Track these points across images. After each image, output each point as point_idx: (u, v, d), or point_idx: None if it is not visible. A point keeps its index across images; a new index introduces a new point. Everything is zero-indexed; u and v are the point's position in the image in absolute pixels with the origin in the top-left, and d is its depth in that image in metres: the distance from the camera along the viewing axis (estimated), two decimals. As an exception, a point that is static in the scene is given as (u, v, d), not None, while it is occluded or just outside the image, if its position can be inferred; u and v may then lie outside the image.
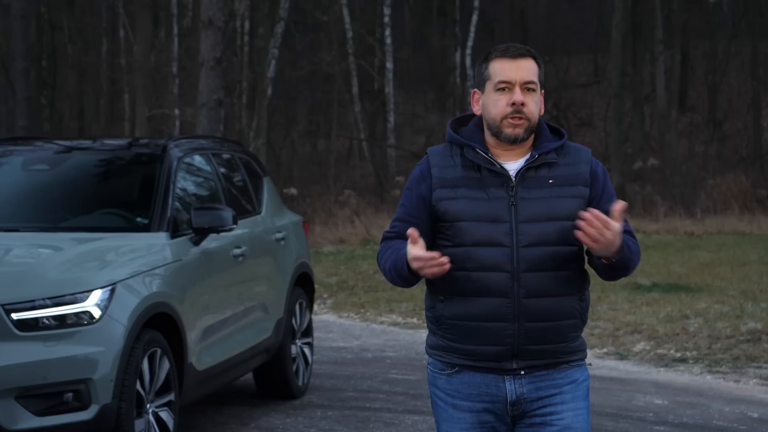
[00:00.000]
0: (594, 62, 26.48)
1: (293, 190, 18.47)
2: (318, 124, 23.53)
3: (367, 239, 14.59)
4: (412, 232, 2.62)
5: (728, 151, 22.13)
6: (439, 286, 2.73)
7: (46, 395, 4.16)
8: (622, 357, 7.44)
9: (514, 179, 2.69)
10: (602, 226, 2.57)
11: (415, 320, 8.97)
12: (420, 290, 10.02)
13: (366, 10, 23.81)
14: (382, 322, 8.99)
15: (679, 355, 7.39)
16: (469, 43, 22.37)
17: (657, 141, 21.93)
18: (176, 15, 22.00)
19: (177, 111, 20.06)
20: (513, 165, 2.71)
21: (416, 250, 2.61)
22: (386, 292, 10.24)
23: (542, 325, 2.69)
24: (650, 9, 21.77)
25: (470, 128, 2.77)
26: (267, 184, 6.37)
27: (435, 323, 2.77)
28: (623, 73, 20.62)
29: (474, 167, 2.71)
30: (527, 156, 2.72)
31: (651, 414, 5.77)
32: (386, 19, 22.16)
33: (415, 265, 2.62)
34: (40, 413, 4.14)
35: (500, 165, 2.70)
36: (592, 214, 2.58)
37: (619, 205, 2.61)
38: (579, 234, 2.59)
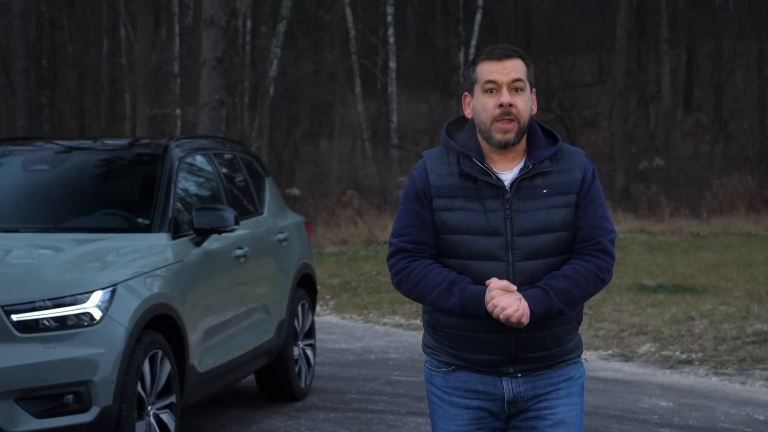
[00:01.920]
0: (599, 61, 26.42)
1: (295, 191, 18.43)
2: (320, 124, 23.49)
3: (369, 240, 14.55)
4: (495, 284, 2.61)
5: (734, 151, 22.06)
6: None
7: (46, 397, 4.13)
8: (626, 358, 7.39)
9: (509, 190, 2.67)
10: (511, 303, 2.59)
11: (418, 322, 8.92)
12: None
13: (369, 8, 23.77)
14: (385, 324, 8.95)
15: (684, 356, 7.34)
16: (473, 42, 22.31)
17: (662, 141, 21.87)
18: (177, 14, 21.98)
19: (178, 111, 20.03)
20: (508, 175, 2.69)
21: (508, 300, 2.58)
22: (389, 293, 10.20)
23: (539, 334, 2.69)
24: (656, 8, 21.72)
25: (465, 133, 2.75)
26: (269, 185, 6.33)
27: (431, 327, 2.77)
28: (628, 73, 20.58)
29: (470, 177, 2.69)
30: (521, 165, 2.70)
31: (656, 416, 5.73)
32: (389, 18, 22.11)
33: (502, 313, 2.58)
34: (40, 415, 4.12)
35: (496, 176, 2.68)
36: (493, 305, 2.60)
37: (491, 283, 2.62)
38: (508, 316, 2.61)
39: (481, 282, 2.64)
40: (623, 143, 19.91)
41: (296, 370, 6.05)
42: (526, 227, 2.65)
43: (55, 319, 4.18)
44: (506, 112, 2.65)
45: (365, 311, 9.48)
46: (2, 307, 4.14)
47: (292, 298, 6.05)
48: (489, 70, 2.67)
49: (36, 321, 4.16)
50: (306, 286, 6.33)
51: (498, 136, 2.66)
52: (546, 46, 22.58)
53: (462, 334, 2.69)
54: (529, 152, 2.70)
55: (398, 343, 8.09)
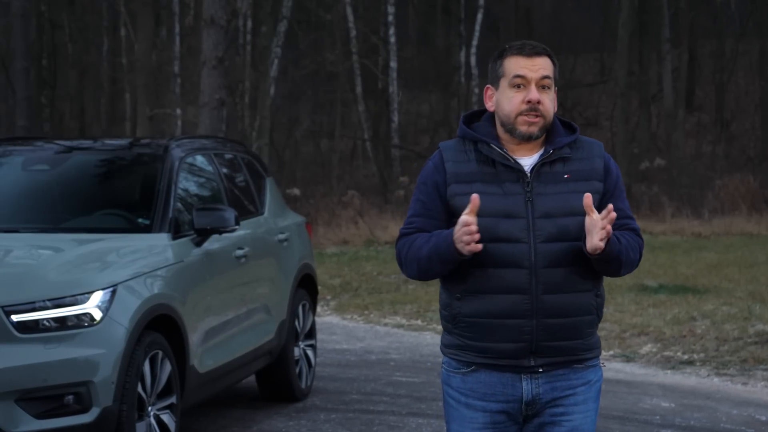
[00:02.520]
0: (600, 61, 26.39)
1: (296, 191, 18.40)
2: (321, 124, 23.47)
3: (370, 240, 14.54)
4: (476, 197, 2.58)
5: (736, 151, 22.04)
6: (455, 284, 2.71)
7: (46, 398, 4.13)
8: (628, 359, 7.38)
9: (529, 175, 2.68)
10: (605, 225, 2.61)
11: (419, 322, 8.91)
12: (424, 291, 9.98)
13: (370, 8, 23.75)
14: (386, 324, 8.94)
15: (686, 357, 7.33)
16: (474, 42, 22.29)
17: (664, 141, 21.85)
18: (178, 13, 21.97)
19: (179, 111, 20.01)
20: (527, 160, 2.70)
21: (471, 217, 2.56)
22: (390, 293, 10.19)
23: (560, 321, 2.67)
24: (657, 7, 21.69)
25: (483, 124, 2.76)
26: (270, 185, 6.32)
27: (451, 322, 2.74)
28: (630, 73, 20.56)
29: (489, 162, 2.70)
30: (541, 151, 2.71)
31: (658, 417, 5.72)
32: (390, 18, 22.10)
33: (462, 232, 2.55)
34: (40, 416, 4.11)
35: (515, 160, 2.69)
36: (600, 221, 2.60)
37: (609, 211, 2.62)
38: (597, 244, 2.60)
39: (502, 265, 2.64)
40: (625, 143, 19.89)
41: (297, 370, 6.03)
42: (549, 210, 2.66)
43: (55, 319, 4.17)
44: (533, 109, 2.66)
45: (366, 312, 9.46)
46: (2, 307, 4.14)
47: (293, 298, 6.04)
48: (518, 65, 2.67)
49: (36, 321, 4.15)
50: (307, 287, 6.32)
51: (523, 128, 2.67)
52: (547, 45, 22.49)
53: (483, 322, 2.67)
54: (549, 139, 2.71)
55: (399, 343, 8.08)
